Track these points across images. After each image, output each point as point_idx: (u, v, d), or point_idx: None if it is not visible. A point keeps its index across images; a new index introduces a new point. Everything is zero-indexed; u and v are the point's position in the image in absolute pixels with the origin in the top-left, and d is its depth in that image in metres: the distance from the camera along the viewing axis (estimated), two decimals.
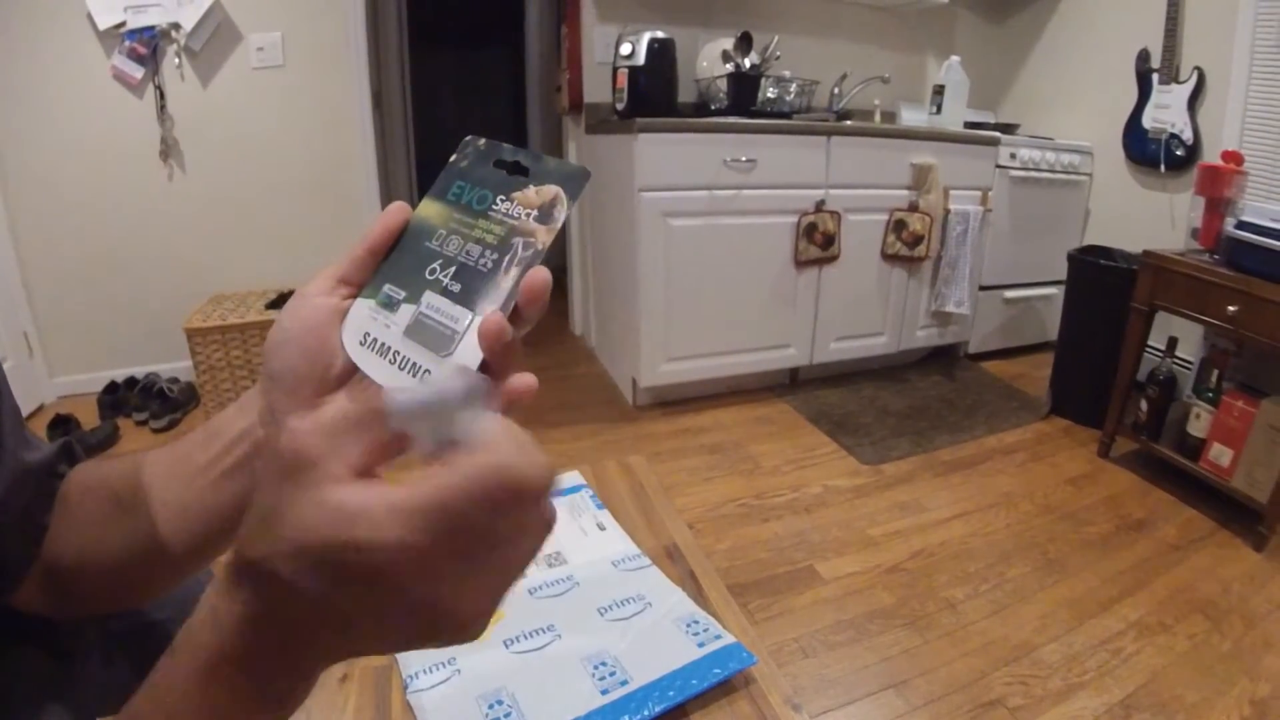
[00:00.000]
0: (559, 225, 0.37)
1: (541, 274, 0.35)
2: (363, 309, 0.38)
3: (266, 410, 0.39)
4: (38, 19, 2.37)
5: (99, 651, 0.55)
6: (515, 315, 0.35)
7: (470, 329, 0.36)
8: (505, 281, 0.36)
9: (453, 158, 0.41)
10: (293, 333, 0.38)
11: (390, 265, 0.39)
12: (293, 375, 0.37)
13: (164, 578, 0.48)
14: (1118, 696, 1.39)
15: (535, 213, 0.37)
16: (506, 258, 0.37)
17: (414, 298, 0.38)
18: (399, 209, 0.39)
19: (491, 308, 0.36)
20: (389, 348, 0.37)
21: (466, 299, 0.37)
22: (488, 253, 0.37)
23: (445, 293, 0.37)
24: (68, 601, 0.48)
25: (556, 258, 4.48)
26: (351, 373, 0.38)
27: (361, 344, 0.37)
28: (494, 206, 0.39)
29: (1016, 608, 1.65)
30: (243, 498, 0.43)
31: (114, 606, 0.51)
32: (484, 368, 0.35)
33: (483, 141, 0.41)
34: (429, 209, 0.40)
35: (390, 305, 0.38)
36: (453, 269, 0.38)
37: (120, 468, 0.48)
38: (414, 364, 0.37)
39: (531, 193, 0.38)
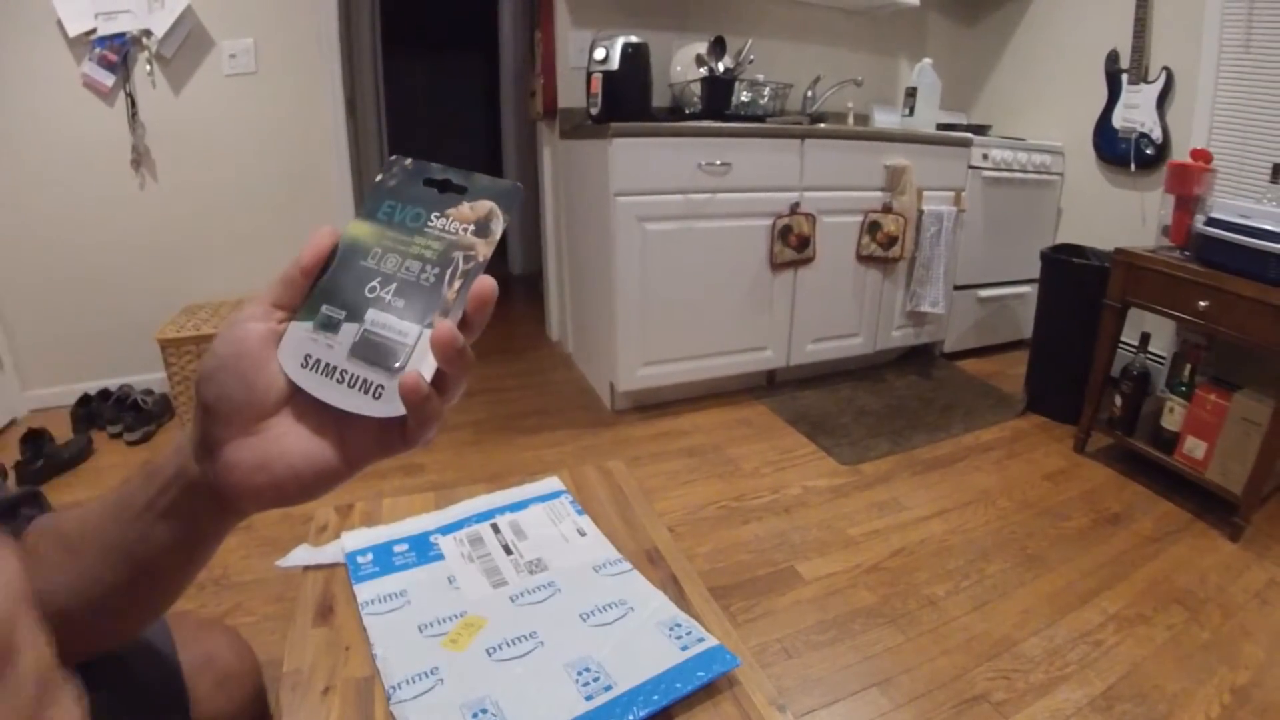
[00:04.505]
0: (497, 237, 0.38)
1: (487, 282, 0.36)
2: (299, 332, 0.38)
3: (200, 444, 0.39)
4: (5, 26, 2.33)
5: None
6: (463, 324, 0.36)
7: (421, 340, 0.36)
8: (450, 293, 0.37)
9: (379, 177, 0.41)
10: (227, 360, 0.37)
11: (325, 286, 0.39)
12: (229, 403, 0.37)
13: (112, 629, 0.47)
14: (1099, 688, 1.40)
15: (472, 227, 0.38)
16: (449, 271, 0.37)
17: (356, 316, 0.38)
18: (327, 232, 0.39)
19: (440, 319, 0.36)
20: (334, 368, 0.37)
21: (412, 313, 0.37)
22: (428, 268, 0.38)
23: (389, 309, 0.37)
24: None
25: (532, 264, 4.47)
26: (289, 398, 0.38)
27: (303, 366, 0.37)
28: (429, 223, 0.39)
29: (997, 603, 1.66)
30: (178, 542, 0.42)
31: (65, 660, 0.50)
32: (438, 376, 0.36)
33: (409, 160, 0.41)
34: (360, 229, 0.40)
35: (330, 326, 0.38)
36: (394, 285, 0.38)
37: (76, 511, 0.46)
38: (365, 381, 0.37)
39: (466, 208, 0.39)
